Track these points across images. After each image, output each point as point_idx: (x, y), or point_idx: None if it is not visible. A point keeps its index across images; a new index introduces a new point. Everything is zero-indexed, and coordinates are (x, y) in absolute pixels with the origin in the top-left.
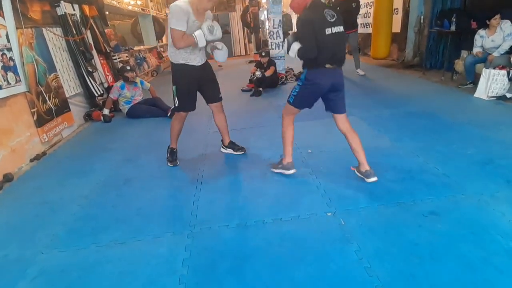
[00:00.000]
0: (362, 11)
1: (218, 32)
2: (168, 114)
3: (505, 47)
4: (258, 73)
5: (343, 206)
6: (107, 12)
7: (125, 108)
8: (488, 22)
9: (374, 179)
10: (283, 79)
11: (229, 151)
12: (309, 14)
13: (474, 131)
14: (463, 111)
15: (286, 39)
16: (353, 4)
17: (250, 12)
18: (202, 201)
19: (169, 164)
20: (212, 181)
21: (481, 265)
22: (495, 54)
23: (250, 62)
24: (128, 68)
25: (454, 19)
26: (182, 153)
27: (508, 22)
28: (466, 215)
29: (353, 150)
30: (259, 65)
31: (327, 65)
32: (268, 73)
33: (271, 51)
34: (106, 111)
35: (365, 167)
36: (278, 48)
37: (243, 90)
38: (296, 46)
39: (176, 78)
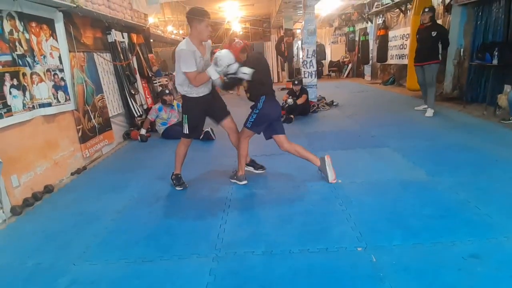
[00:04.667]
0: (397, 42)
1: (222, 61)
2: (201, 137)
3: None
4: (290, 101)
5: (374, 242)
6: (152, 40)
7: (161, 129)
8: None
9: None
10: (315, 107)
11: (250, 169)
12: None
13: None
14: (507, 148)
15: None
16: (432, 33)
17: (285, 42)
18: (229, 224)
19: (177, 188)
20: (240, 205)
21: None
22: None
23: (283, 89)
24: (167, 91)
25: (496, 53)
26: (211, 176)
27: None
28: (509, 258)
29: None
30: (291, 92)
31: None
32: (300, 101)
33: (303, 80)
34: (143, 131)
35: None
36: (311, 77)
37: None
38: (247, 69)
39: (189, 108)
